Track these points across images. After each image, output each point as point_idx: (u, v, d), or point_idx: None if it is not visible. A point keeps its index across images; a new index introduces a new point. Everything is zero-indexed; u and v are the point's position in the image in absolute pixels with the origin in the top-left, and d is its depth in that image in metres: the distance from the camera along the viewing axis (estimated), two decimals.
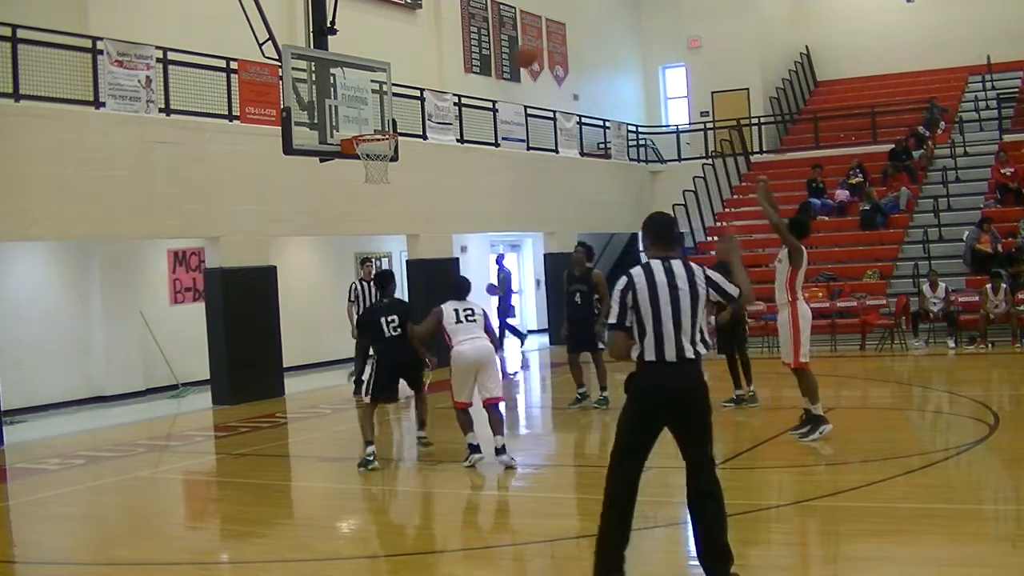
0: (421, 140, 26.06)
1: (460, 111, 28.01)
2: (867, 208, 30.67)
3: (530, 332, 34.99)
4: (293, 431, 18.83)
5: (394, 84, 19.73)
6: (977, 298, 25.36)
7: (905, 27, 38.73)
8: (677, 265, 8.22)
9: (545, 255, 32.61)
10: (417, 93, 26.11)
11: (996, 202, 29.94)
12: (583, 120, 33.62)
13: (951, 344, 24.90)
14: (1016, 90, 36.34)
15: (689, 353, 7.97)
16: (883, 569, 8.86)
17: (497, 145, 29.29)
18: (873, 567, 8.93)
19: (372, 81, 18.88)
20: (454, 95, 27.92)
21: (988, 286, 25.05)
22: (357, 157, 18.09)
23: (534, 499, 12.39)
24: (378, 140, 18.36)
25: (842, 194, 31.87)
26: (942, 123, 34.66)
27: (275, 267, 22.96)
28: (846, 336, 26.21)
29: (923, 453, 12.86)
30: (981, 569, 8.64)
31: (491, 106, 29.34)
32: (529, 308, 36.02)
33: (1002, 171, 30.50)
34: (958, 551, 9.23)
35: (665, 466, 13.25)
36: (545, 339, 32.31)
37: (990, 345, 24.82)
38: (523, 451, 14.80)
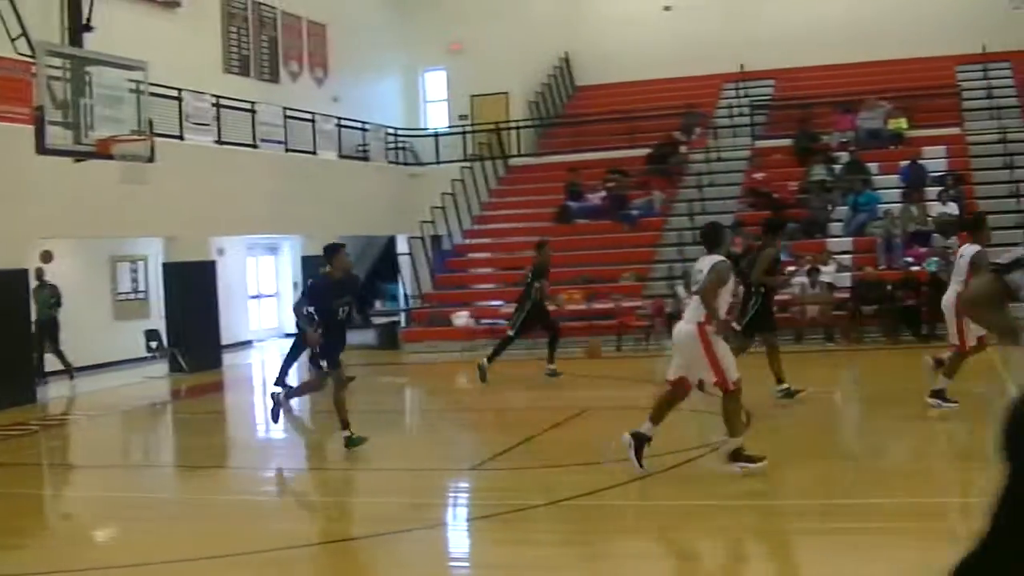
0: (179, 141, 25.59)
1: (219, 112, 27.60)
2: (625, 212, 31.19)
3: (287, 336, 34.70)
4: (46, 439, 18.35)
5: (152, 84, 19.41)
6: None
7: (663, 34, 39.31)
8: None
9: (303, 258, 32.36)
10: (175, 93, 25.64)
11: (748, 206, 30.73)
12: (342, 122, 33.47)
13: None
14: (768, 97, 37.36)
15: None
16: (646, 566, 9.02)
17: (256, 147, 28.95)
18: (634, 564, 9.08)
19: (129, 80, 18.57)
20: (213, 95, 27.51)
21: (740, 288, 25.62)
22: (113, 157, 17.74)
23: (296, 503, 12.29)
24: (135, 140, 18.08)
25: (599, 198, 32.30)
26: (698, 129, 35.44)
27: (26, 270, 22.31)
28: (603, 337, 26.58)
29: (680, 451, 13.09)
30: (747, 562, 8.86)
31: (250, 107, 28.99)
32: (286, 311, 35.67)
33: (754, 176, 31.36)
34: (715, 546, 9.46)
35: (420, 469, 13.34)
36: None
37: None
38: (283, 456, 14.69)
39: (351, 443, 14.23)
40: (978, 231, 15.17)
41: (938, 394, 15.03)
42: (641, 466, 11.73)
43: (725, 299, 12.12)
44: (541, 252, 21.98)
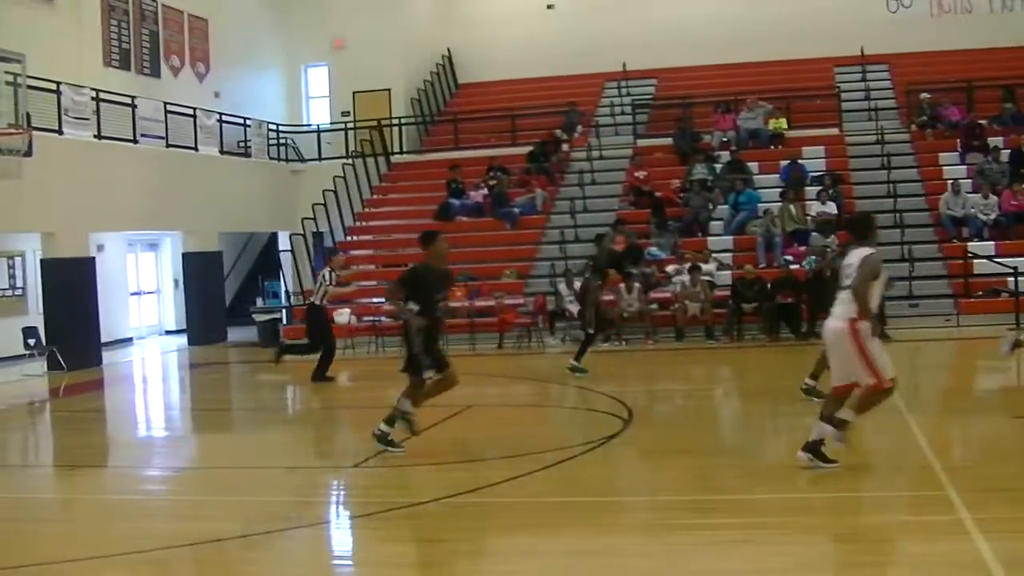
0: (57, 135, 25.28)
1: (98, 106, 27.27)
2: (507, 209, 31.28)
3: (168, 333, 34.41)
4: None
5: (29, 76, 19.10)
6: (612, 297, 26.18)
7: (546, 33, 39.47)
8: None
9: (184, 254, 32.12)
10: (53, 86, 25.29)
11: (630, 204, 30.96)
12: (224, 118, 33.22)
13: (605, 343, 25.62)
14: (650, 97, 37.66)
15: None
16: (527, 562, 9.05)
17: (136, 142, 28.63)
18: (517, 561, 9.13)
19: (6, 72, 18.28)
20: (92, 89, 27.18)
21: (622, 285, 25.88)
22: None
23: (180, 503, 12.17)
24: (11, 134, 17.80)
25: (480, 195, 32.36)
26: (579, 127, 35.64)
27: None
28: (485, 335, 26.67)
29: (562, 448, 13.16)
30: (621, 559, 8.92)
31: (130, 102, 28.66)
32: (167, 308, 35.36)
33: (636, 174, 31.63)
34: (598, 542, 9.53)
35: (303, 467, 13.29)
36: (184, 339, 31.76)
37: (624, 342, 25.70)
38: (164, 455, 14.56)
39: (386, 442, 13.36)
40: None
41: None
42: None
43: (877, 293, 11.50)
44: (601, 244, 22.03)
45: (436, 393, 13.64)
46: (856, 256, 11.41)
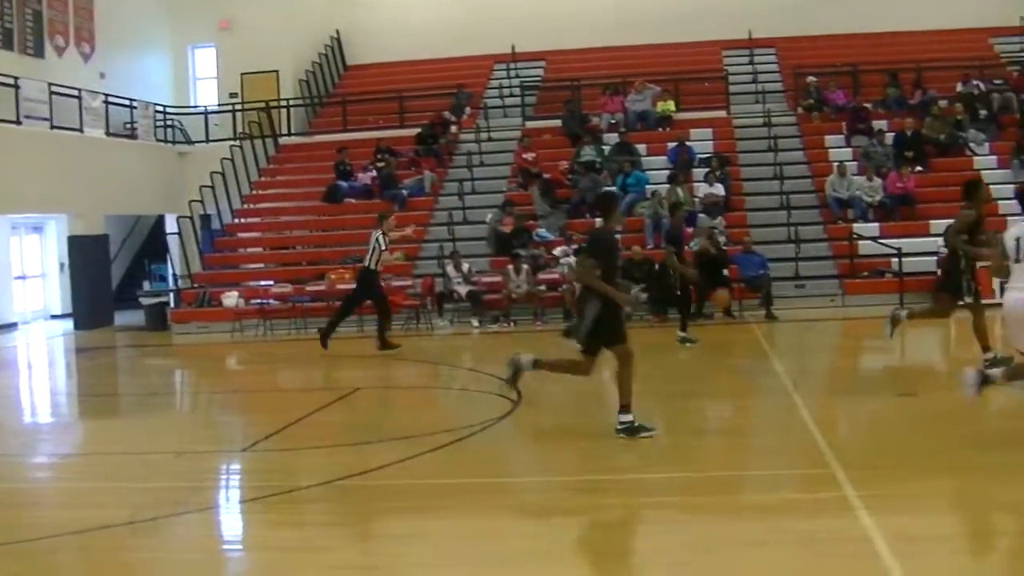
0: None
1: None
2: (395, 191, 31.25)
3: (53, 317, 33.97)
4: None
5: None
6: (500, 278, 26.30)
7: (435, 14, 39.41)
8: None
9: (70, 237, 31.71)
10: None
11: (518, 186, 31.05)
12: (110, 99, 32.84)
13: (475, 323, 25.69)
14: (538, 79, 37.80)
15: None
16: (418, 545, 9.07)
17: (19, 123, 28.25)
18: (408, 544, 9.14)
19: None
20: None
21: (510, 267, 26.02)
22: None
23: (66, 490, 12.06)
24: None
25: (369, 177, 32.27)
26: (468, 109, 35.68)
27: None
28: (373, 316, 26.56)
29: (451, 430, 13.20)
30: (511, 540, 8.99)
31: (13, 82, 28.25)
32: (53, 292, 34.87)
33: (524, 156, 31.70)
34: (488, 523, 9.59)
35: (192, 452, 13.23)
36: (70, 324, 31.39)
37: (513, 324, 25.81)
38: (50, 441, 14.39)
39: (632, 431, 12.35)
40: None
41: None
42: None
43: None
44: (675, 215, 22.47)
45: (567, 372, 13.26)
46: (1020, 228, 11.39)
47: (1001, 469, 10.40)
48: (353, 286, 23.15)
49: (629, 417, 12.38)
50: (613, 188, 16.22)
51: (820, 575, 7.99)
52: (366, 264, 21.70)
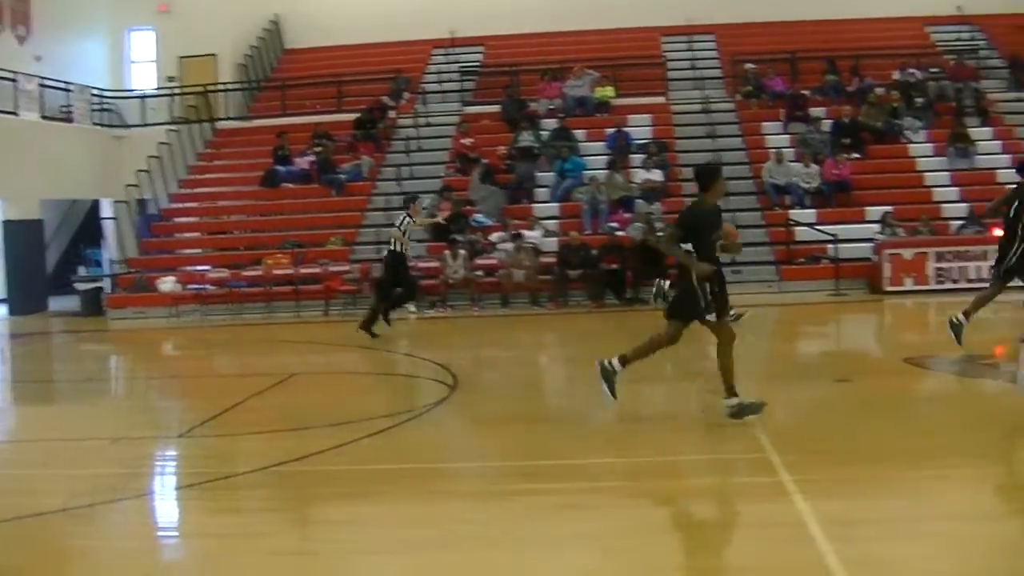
0: None
1: None
2: (332, 176, 31.17)
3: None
4: None
5: None
6: (438, 264, 26.29)
7: None
8: None
9: (4, 222, 31.40)
10: None
11: (456, 171, 31.03)
12: (45, 82, 32.53)
13: (412, 309, 25.63)
14: (477, 64, 37.75)
15: None
16: (358, 531, 9.05)
17: None
18: (347, 530, 9.12)
19: None
20: None
21: (447, 252, 26.03)
22: None
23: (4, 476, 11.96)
24: None
25: (307, 162, 32.15)
26: (406, 94, 35.60)
27: None
28: (310, 302, 26.62)
29: (388, 415, 13.20)
30: (451, 526, 8.99)
31: None
32: None
33: (462, 141, 31.68)
34: (427, 509, 9.59)
35: (127, 438, 13.15)
36: (3, 309, 31.11)
37: (450, 309, 25.82)
38: None
39: (743, 412, 12.04)
40: None
41: None
42: None
43: None
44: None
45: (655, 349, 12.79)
46: None
47: (934, 453, 10.51)
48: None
49: (733, 401, 12.10)
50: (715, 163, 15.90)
51: (755, 559, 8.02)
52: (392, 247, 21.70)
